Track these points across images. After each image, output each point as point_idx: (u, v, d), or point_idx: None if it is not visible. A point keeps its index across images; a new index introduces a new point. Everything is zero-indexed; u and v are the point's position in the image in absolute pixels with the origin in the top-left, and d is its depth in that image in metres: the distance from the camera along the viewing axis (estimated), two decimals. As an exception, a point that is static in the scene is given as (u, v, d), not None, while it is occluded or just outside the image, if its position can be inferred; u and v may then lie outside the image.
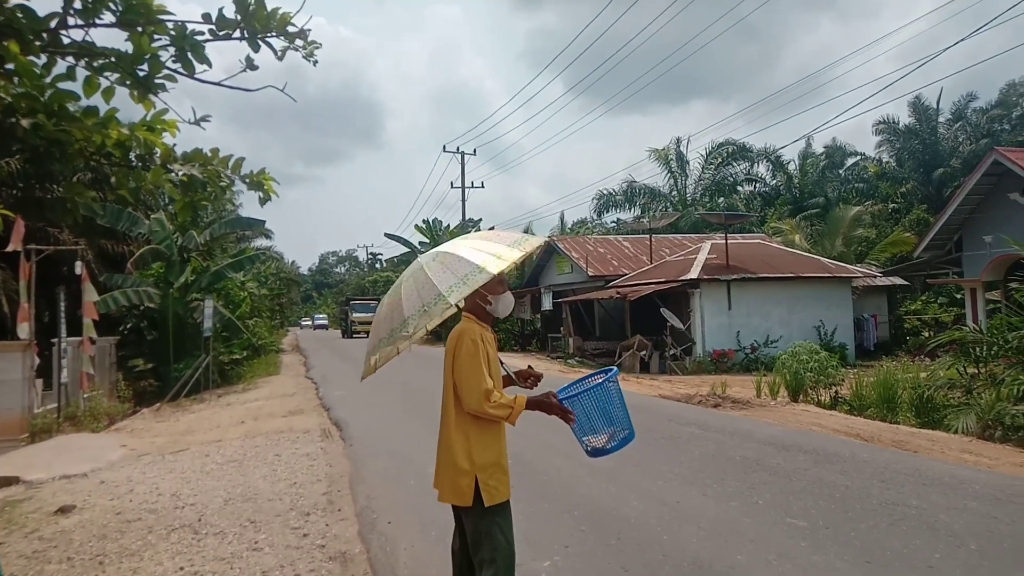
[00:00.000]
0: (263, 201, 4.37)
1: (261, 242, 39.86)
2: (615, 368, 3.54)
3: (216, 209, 23.46)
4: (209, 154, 4.32)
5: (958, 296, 21.12)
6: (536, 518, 5.56)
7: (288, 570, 4.78)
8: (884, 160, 37.22)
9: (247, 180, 4.34)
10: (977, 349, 9.53)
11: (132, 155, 4.20)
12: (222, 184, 4.41)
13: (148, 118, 3.97)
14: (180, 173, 4.27)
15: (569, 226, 51.37)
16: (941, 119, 35.09)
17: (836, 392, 11.93)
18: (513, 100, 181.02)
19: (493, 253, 3.10)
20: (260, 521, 5.94)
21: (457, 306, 3.03)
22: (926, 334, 21.21)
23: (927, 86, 57.41)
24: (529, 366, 3.62)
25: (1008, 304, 11.34)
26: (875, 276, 23.17)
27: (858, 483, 6.41)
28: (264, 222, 31.73)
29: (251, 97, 3.68)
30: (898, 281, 23.90)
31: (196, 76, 3.21)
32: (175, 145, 4.25)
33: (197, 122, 3.49)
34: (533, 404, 3.24)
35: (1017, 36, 75.57)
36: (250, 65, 3.23)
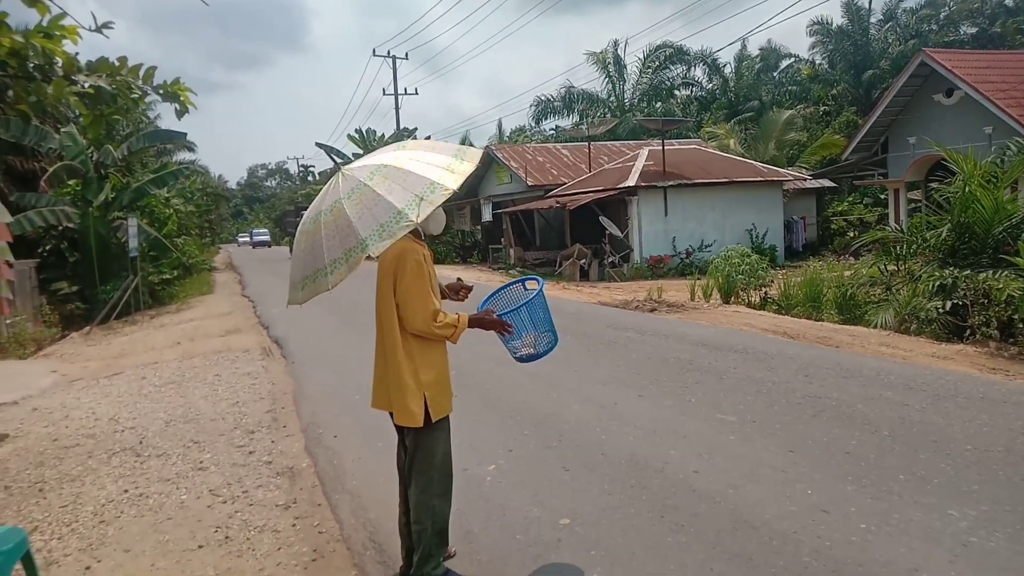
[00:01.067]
0: (180, 113, 4.13)
1: (184, 156, 38.03)
2: (540, 278, 3.63)
3: (131, 122, 22.09)
4: (117, 63, 4.02)
5: (883, 197, 21.93)
6: (480, 426, 5.72)
7: (236, 487, 4.82)
8: (817, 62, 37.48)
9: (161, 91, 4.08)
10: (897, 248, 9.98)
11: (30, 65, 3.87)
12: (134, 96, 4.14)
13: (44, 24, 3.64)
14: (86, 85, 3.97)
15: (507, 134, 50.64)
16: (873, 20, 35.25)
17: (766, 293, 12.42)
18: (444, 0, 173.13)
19: (443, 166, 2.95)
20: (204, 441, 5.93)
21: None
22: (851, 234, 22.06)
23: (860, -14, 57.23)
24: (459, 278, 3.57)
25: (928, 204, 11.83)
26: (805, 179, 23.76)
27: (784, 378, 6.77)
28: (185, 134, 30.23)
29: (158, -1, 3.39)
30: (827, 183, 24.60)
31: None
32: (78, 54, 3.94)
33: (99, 28, 3.21)
34: (475, 322, 3.28)
35: (948, -66, 75.46)
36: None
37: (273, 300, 16.25)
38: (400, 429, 3.32)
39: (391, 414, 3.26)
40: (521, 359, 3.53)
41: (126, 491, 4.88)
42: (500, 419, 5.93)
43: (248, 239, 67.15)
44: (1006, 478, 4.14)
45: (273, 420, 6.48)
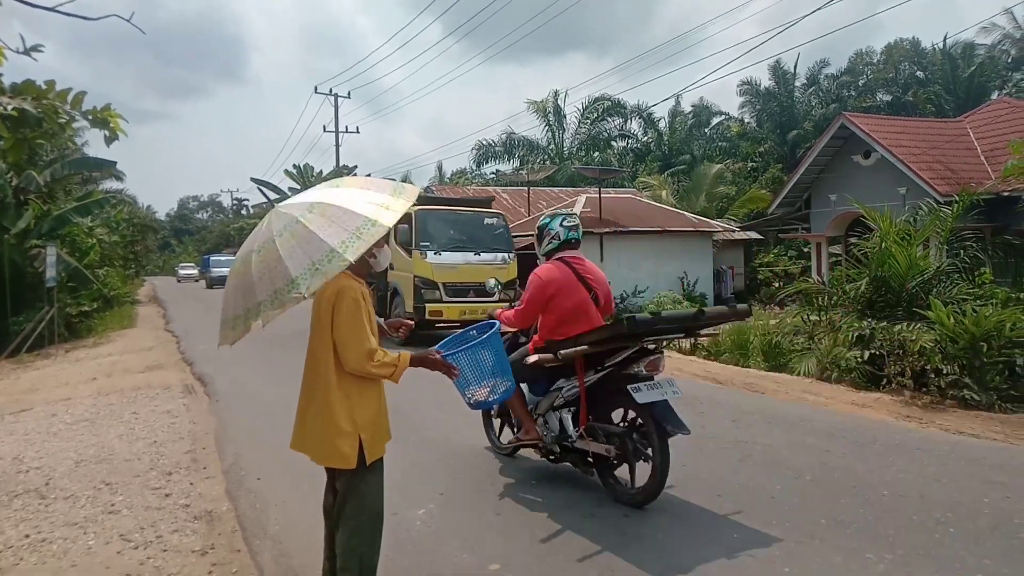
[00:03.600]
0: (109, 141, 3.99)
1: (111, 184, 36.83)
2: (497, 323, 3.60)
3: (57, 148, 21.28)
4: (44, 86, 3.88)
5: (806, 250, 22.92)
6: (412, 468, 5.60)
7: (149, 532, 4.56)
8: (746, 120, 39.34)
9: (90, 117, 3.95)
10: (819, 299, 10.41)
11: (-53, 83, 3.70)
12: (60, 120, 3.99)
13: (-34, 42, 3.49)
14: (9, 107, 3.81)
15: (448, 176, 50.96)
16: (797, 83, 37.39)
17: (696, 339, 12.70)
18: (390, 42, 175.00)
19: (380, 203, 2.89)
20: (116, 483, 5.60)
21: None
22: (777, 285, 22.93)
23: (786, 52, 60.87)
24: (399, 315, 3.51)
25: (847, 258, 12.43)
26: (734, 231, 24.68)
27: (713, 423, 6.90)
28: (114, 163, 29.23)
29: (95, 22, 3.31)
30: (754, 235, 25.59)
31: (24, -2, 2.84)
32: (1, 75, 3.78)
33: (28, 51, 3.09)
34: (416, 361, 3.23)
35: (865, 8, 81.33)
36: (89, -13, 2.89)
37: (198, 335, 15.67)
38: (331, 471, 3.23)
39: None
40: (473, 405, 3.46)
41: (27, 536, 4.55)
42: (432, 461, 5.83)
43: (193, 272, 53.73)
44: (920, 523, 4.30)
45: (193, 461, 6.19)
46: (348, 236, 2.73)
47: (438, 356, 3.32)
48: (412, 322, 3.61)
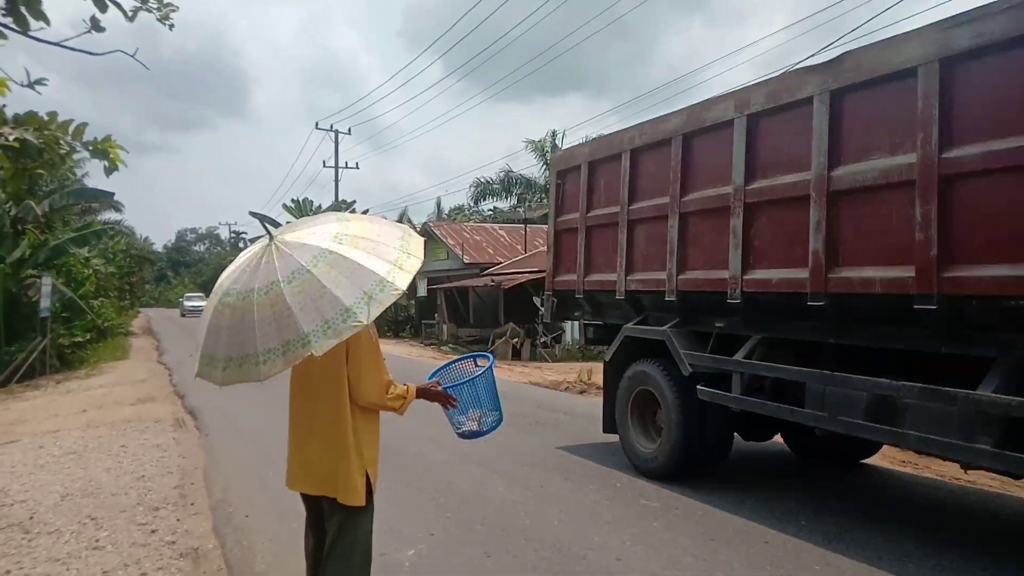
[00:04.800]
0: (108, 171, 4.03)
1: (110, 215, 36.91)
2: (491, 355, 3.63)
3: (56, 178, 21.40)
4: (46, 117, 3.93)
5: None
6: (402, 506, 5.53)
7: (133, 569, 4.47)
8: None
9: (91, 148, 3.99)
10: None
11: (-51, 114, 3.75)
12: (61, 151, 4.03)
13: (-30, 75, 3.55)
14: (10, 138, 3.85)
15: (446, 212, 51.24)
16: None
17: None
18: (391, 80, 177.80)
19: (391, 261, 2.75)
20: (102, 518, 5.51)
21: None
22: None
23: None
24: None
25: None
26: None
27: (707, 465, 6.84)
28: (113, 194, 29.33)
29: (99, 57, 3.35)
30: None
31: (31, 34, 2.89)
32: (5, 106, 3.84)
33: (31, 85, 3.14)
34: (421, 393, 3.25)
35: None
36: (95, 27, 2.95)
37: (191, 368, 15.56)
38: (315, 511, 3.18)
39: (304, 496, 3.14)
40: (464, 435, 3.49)
41: (8, 572, 4.46)
42: (422, 500, 5.76)
43: (202, 304, 44.90)
44: (917, 568, 4.25)
45: (180, 496, 6.10)
46: (361, 296, 2.59)
47: (440, 388, 3.34)
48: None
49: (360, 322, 2.56)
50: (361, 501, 3.02)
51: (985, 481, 6.29)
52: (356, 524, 3.08)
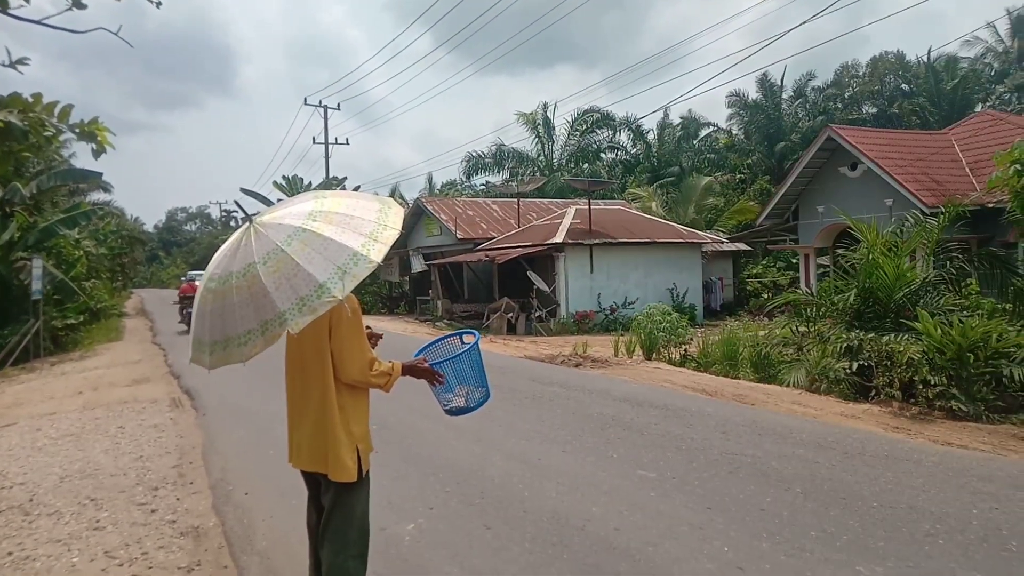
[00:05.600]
0: (96, 154, 3.98)
1: (99, 196, 36.65)
2: (477, 332, 3.62)
3: (43, 159, 21.15)
4: (31, 99, 3.86)
5: (794, 261, 23.05)
6: (400, 482, 5.57)
7: (135, 548, 4.51)
8: (734, 132, 39.62)
9: (77, 130, 3.94)
10: (808, 310, 10.46)
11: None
12: (47, 133, 3.98)
13: (-48, 55, 3.48)
14: (-5, 119, 3.79)
15: (438, 187, 51.01)
16: (784, 95, 37.67)
17: (686, 350, 12.74)
18: (379, 54, 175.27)
19: (366, 234, 2.76)
20: (102, 498, 5.54)
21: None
22: (765, 296, 23.04)
23: (773, 64, 61.43)
24: (368, 327, 3.42)
25: (835, 269, 12.50)
26: (722, 242, 24.80)
27: (702, 435, 6.91)
28: (101, 174, 29.05)
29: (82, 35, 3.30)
30: (743, 247, 25.72)
31: (10, 12, 2.82)
32: (-13, 87, 3.77)
33: (12, 64, 3.08)
34: (407, 370, 3.25)
35: (850, 22, 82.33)
36: (77, 3, 2.88)
37: (185, 349, 15.55)
38: (314, 487, 3.20)
39: (303, 472, 3.15)
40: (451, 412, 3.50)
41: (10, 553, 4.49)
42: (422, 475, 5.80)
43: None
44: (909, 534, 4.31)
45: (179, 476, 6.13)
46: (335, 271, 2.61)
47: (427, 364, 3.33)
48: (382, 334, 3.61)
49: (335, 297, 2.57)
50: (352, 477, 3.04)
51: (977, 445, 6.37)
52: (351, 499, 3.10)
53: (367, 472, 3.17)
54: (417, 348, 3.64)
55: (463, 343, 3.61)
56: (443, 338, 3.72)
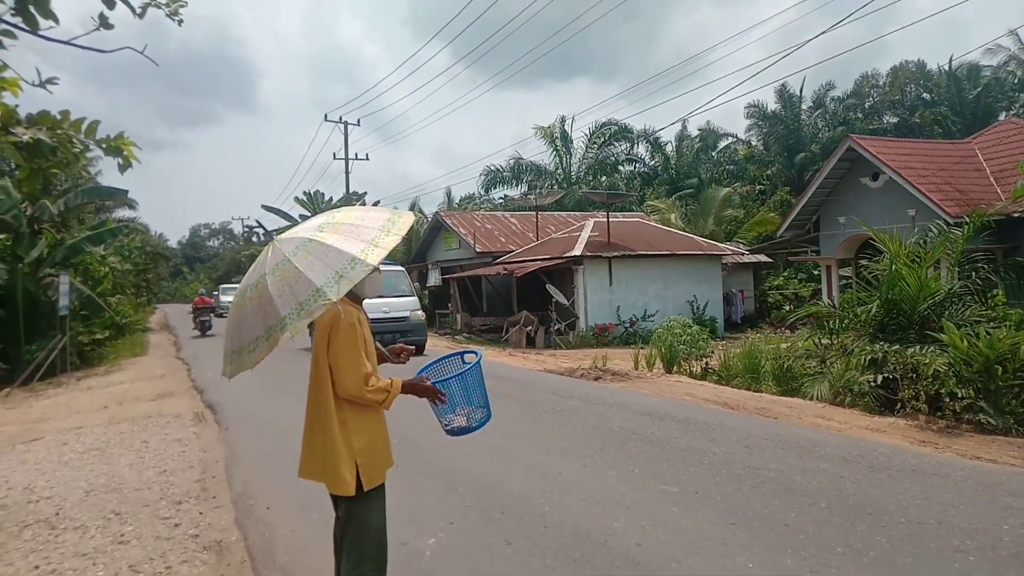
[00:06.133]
0: (123, 168, 4.05)
1: (124, 213, 37.23)
2: (479, 351, 3.61)
3: (70, 177, 21.56)
4: (59, 116, 3.95)
5: (816, 272, 22.83)
6: (421, 496, 5.57)
7: (158, 563, 4.54)
8: (753, 143, 39.44)
9: (104, 145, 4.01)
10: (831, 322, 10.34)
11: (-35, 116, 3.78)
12: (75, 150, 4.06)
13: (-16, 76, 3.57)
14: (24, 137, 3.88)
15: (457, 201, 51.23)
16: (804, 106, 37.47)
17: (707, 363, 12.64)
18: (399, 70, 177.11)
19: (368, 240, 2.90)
20: (126, 512, 5.60)
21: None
22: (787, 308, 22.82)
23: (792, 74, 61.15)
24: (400, 341, 3.52)
25: (858, 280, 12.36)
26: (742, 254, 24.63)
27: (724, 449, 6.83)
28: (127, 191, 29.60)
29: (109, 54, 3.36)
30: (763, 258, 25.53)
31: (40, 33, 2.90)
32: (17, 106, 3.86)
33: (43, 84, 3.16)
34: (408, 388, 3.25)
35: (870, 31, 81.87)
36: (104, 24, 2.95)
37: (209, 363, 15.73)
38: (335, 500, 3.21)
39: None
40: (451, 431, 3.48)
41: (37, 567, 4.54)
42: (442, 489, 5.79)
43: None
44: (938, 551, 4.22)
45: (202, 490, 6.17)
46: (332, 275, 2.74)
47: (428, 383, 3.32)
48: (413, 347, 3.62)
49: (329, 300, 2.68)
50: (349, 491, 3.06)
51: (1007, 460, 6.25)
52: (362, 512, 3.12)
53: (380, 485, 3.18)
54: (432, 362, 3.64)
55: (465, 363, 3.60)
56: (446, 357, 3.70)
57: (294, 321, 2.68)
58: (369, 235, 2.93)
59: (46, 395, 13.69)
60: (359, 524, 3.12)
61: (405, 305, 17.53)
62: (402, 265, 23.46)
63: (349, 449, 3.07)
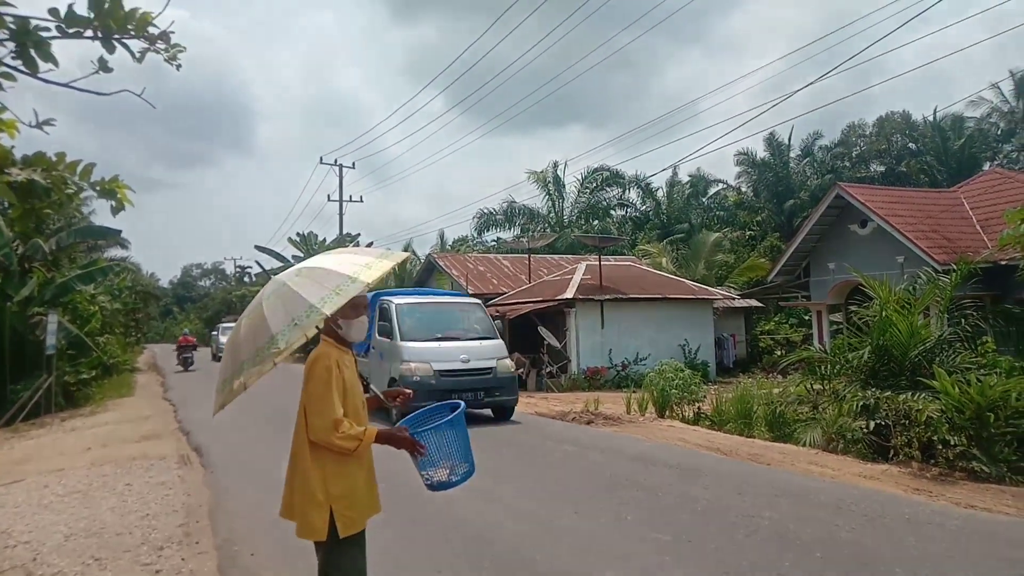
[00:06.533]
0: (115, 211, 4.05)
1: (116, 252, 37.17)
2: (462, 403, 3.51)
3: (64, 216, 21.58)
4: (54, 158, 3.96)
5: (806, 317, 22.92)
6: (409, 541, 5.46)
7: (136, 611, 4.40)
8: (743, 190, 39.98)
9: (98, 188, 4.02)
10: (822, 367, 10.34)
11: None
12: (69, 191, 4.06)
13: (-19, 117, 3.58)
14: (19, 177, 3.88)
15: (450, 243, 51.45)
16: (792, 154, 38.11)
17: (699, 408, 12.57)
18: (394, 115, 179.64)
19: (362, 264, 3.00)
20: (106, 558, 5.45)
21: (317, 327, 2.86)
22: (779, 353, 22.82)
23: (780, 124, 62.13)
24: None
25: (848, 326, 12.41)
26: (733, 298, 24.74)
27: (718, 496, 6.76)
28: (120, 232, 29.57)
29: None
30: (754, 303, 25.64)
31: (40, 76, 2.93)
32: (13, 147, 3.87)
33: (39, 125, 3.17)
34: (383, 438, 3.13)
35: (857, 83, 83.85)
36: (103, 67, 2.99)
37: (196, 405, 15.53)
38: (317, 545, 3.15)
39: None
40: (432, 486, 3.36)
41: (10, 616, 4.40)
42: (429, 536, 5.68)
43: None
44: (935, 602, 4.16)
45: (185, 535, 6.03)
46: (327, 293, 2.80)
47: (406, 434, 3.22)
48: (411, 391, 3.57)
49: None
50: (318, 536, 3.02)
51: (1001, 508, 6.20)
52: (337, 559, 3.07)
53: (360, 532, 3.11)
54: (416, 414, 3.54)
55: (450, 413, 3.46)
56: (429, 409, 3.59)
57: (285, 336, 2.70)
58: (363, 260, 3.04)
59: (29, 436, 13.46)
60: (336, 572, 3.05)
61: (490, 351, 12.58)
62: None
63: (325, 495, 3.00)
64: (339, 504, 3.02)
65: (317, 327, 2.85)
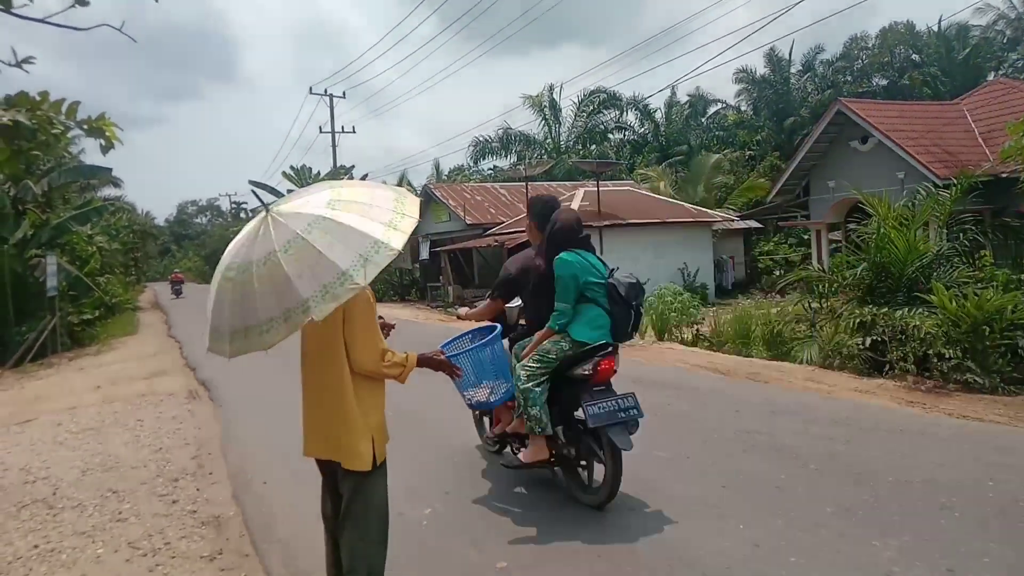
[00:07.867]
0: (105, 149, 4.00)
1: (109, 191, 36.73)
2: (498, 326, 3.59)
3: (53, 157, 21.27)
4: (38, 97, 3.88)
5: (806, 237, 22.89)
6: (417, 468, 5.61)
7: (157, 539, 4.58)
8: (742, 108, 39.24)
9: (85, 127, 3.95)
10: (820, 286, 10.40)
11: (-59, 97, 3.71)
12: (55, 131, 3.99)
13: (-42, 56, 3.49)
14: (3, 119, 3.81)
15: (445, 173, 50.91)
16: (793, 70, 37.23)
17: (698, 330, 12.72)
18: (384, 40, 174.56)
19: (385, 222, 2.76)
20: (123, 490, 5.63)
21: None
22: (778, 273, 22.90)
23: (781, 38, 60.64)
24: (380, 316, 3.41)
25: (847, 244, 12.41)
26: (733, 220, 24.64)
27: (716, 414, 6.91)
28: (111, 170, 29.12)
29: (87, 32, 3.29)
30: (753, 224, 25.56)
31: (14, 11, 2.83)
32: (-6, 88, 3.79)
33: (19, 64, 3.09)
34: (423, 362, 3.26)
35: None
36: (80, 1, 2.88)
37: (202, 341, 15.70)
38: (331, 476, 3.23)
39: (318, 461, 3.19)
40: (472, 406, 3.50)
41: (36, 546, 4.58)
42: (437, 460, 5.84)
43: None
44: (925, 508, 4.31)
45: (199, 467, 6.21)
46: (357, 258, 2.62)
47: (443, 357, 3.34)
48: (393, 324, 3.63)
49: (357, 284, 2.58)
50: (366, 466, 3.07)
51: (993, 418, 6.35)
52: (369, 487, 3.14)
53: (383, 461, 3.20)
54: (428, 334, 3.64)
55: (486, 336, 3.58)
56: (467, 333, 3.69)
57: (318, 304, 2.56)
58: (386, 216, 2.81)
59: (38, 376, 13.68)
60: (366, 498, 3.14)
61: None
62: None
63: (366, 425, 3.08)
64: (377, 434, 3.12)
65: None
